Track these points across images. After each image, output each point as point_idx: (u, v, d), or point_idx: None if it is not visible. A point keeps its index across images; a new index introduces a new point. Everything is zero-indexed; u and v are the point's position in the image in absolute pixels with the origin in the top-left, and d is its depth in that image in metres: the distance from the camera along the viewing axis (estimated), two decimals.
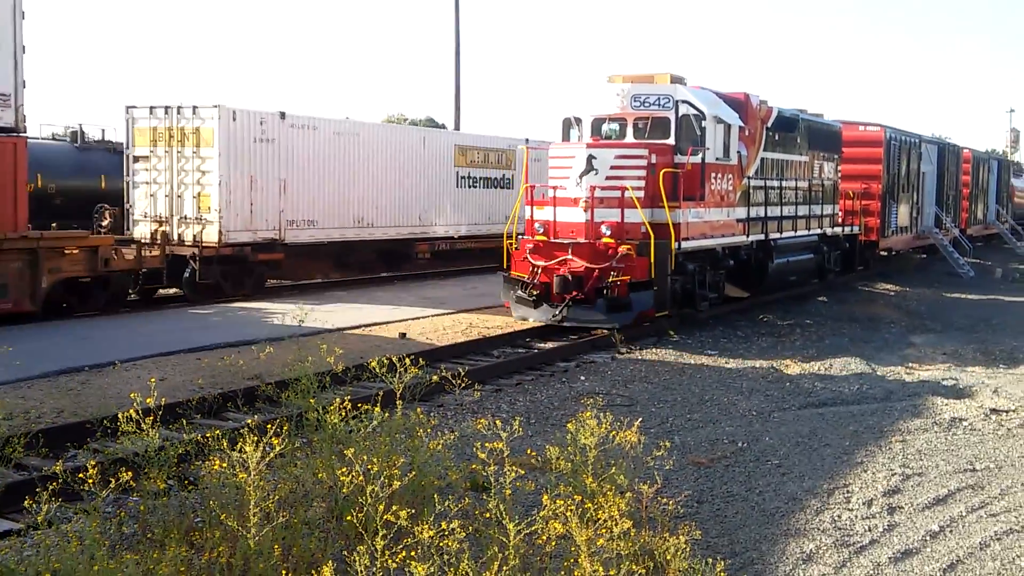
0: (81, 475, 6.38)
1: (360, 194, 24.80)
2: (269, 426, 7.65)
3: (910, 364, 15.80)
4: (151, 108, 21.78)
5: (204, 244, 20.95)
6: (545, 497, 6.96)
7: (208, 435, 7.07)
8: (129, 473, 6.51)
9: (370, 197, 25.15)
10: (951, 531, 7.98)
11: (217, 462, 6.73)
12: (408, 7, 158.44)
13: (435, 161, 27.63)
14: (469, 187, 29.11)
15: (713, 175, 18.35)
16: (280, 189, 22.31)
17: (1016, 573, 7.16)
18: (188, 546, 6.37)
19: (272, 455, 7.24)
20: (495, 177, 30.27)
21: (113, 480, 6.37)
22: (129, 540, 6.86)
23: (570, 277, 16.71)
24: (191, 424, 7.50)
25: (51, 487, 6.26)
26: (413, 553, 6.23)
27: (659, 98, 17.89)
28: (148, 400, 7.35)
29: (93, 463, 6.51)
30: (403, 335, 17.08)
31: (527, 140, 29.65)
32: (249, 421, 7.68)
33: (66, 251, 17.91)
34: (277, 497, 6.75)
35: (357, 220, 24.74)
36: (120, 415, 6.85)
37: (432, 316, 19.13)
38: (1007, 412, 12.24)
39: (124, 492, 6.55)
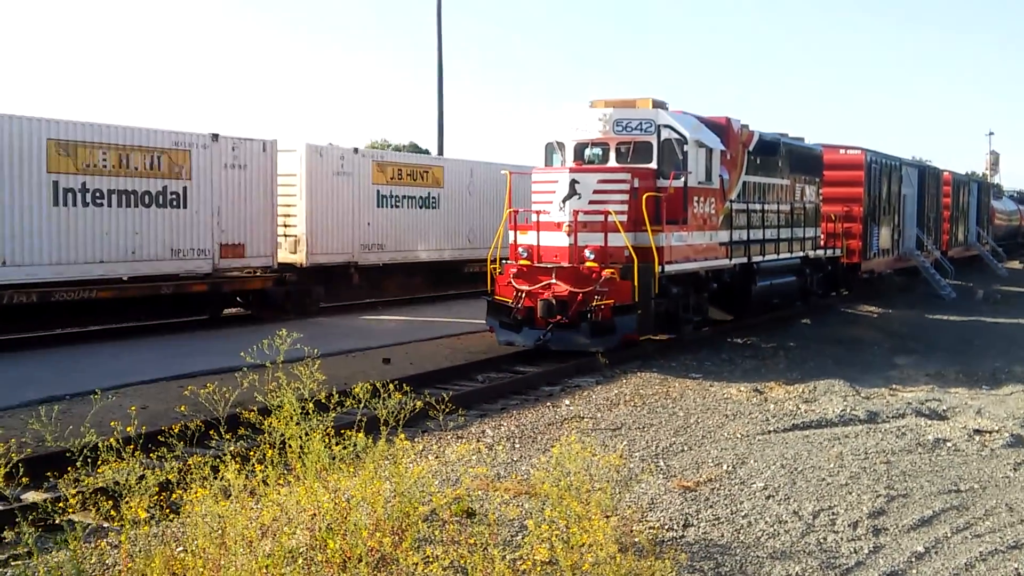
0: (61, 505, 6.32)
1: None
2: (251, 453, 7.61)
3: (894, 385, 15.84)
4: None
5: None
6: (531, 522, 6.94)
7: (190, 462, 7.01)
8: (110, 502, 6.45)
9: None
10: (936, 552, 7.97)
11: (199, 490, 6.68)
12: (392, 35, 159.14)
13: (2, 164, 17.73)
14: (85, 205, 18.93)
15: (695, 199, 18.44)
16: None
17: None
18: (170, 575, 6.30)
19: (254, 482, 7.19)
20: (148, 191, 20.07)
21: (94, 509, 6.30)
22: (110, 570, 6.80)
23: (554, 301, 16.75)
24: (172, 453, 7.43)
25: (31, 517, 6.20)
26: None
27: (641, 123, 18.00)
28: (128, 428, 7.30)
29: (74, 492, 6.43)
30: (387, 360, 17.04)
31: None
32: (231, 448, 7.61)
33: None
34: (259, 525, 6.70)
35: None
36: (100, 444, 6.79)
37: None
38: (990, 433, 12.27)
39: (105, 521, 6.48)
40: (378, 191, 26.81)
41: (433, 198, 28.95)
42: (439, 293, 29.51)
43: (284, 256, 23.73)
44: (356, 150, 26.21)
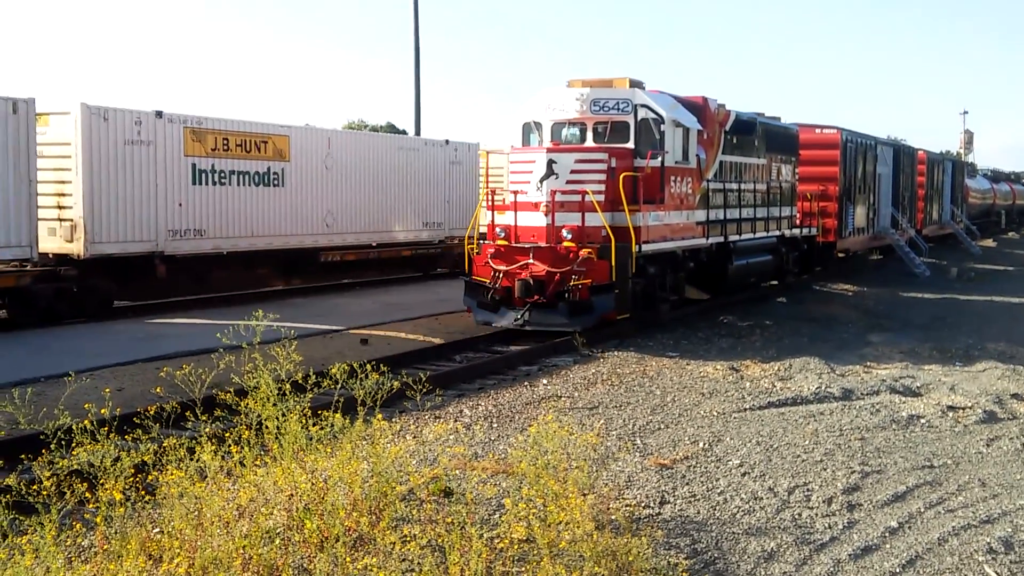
0: (36, 487, 6.28)
1: None
2: (228, 434, 7.59)
3: (868, 363, 15.96)
4: None
5: None
6: (508, 501, 6.96)
7: (165, 444, 6.98)
8: (85, 484, 6.42)
9: None
10: (910, 527, 8.06)
11: (175, 471, 6.66)
12: (371, 15, 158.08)
13: None
14: None
15: (672, 178, 18.46)
16: None
17: (974, 568, 7.24)
18: (146, 557, 6.29)
19: (231, 463, 7.18)
20: None
21: (68, 492, 6.27)
22: (86, 552, 6.77)
23: (532, 281, 16.74)
24: (147, 435, 7.41)
25: (5, 500, 6.16)
26: (375, 559, 6.20)
27: (618, 102, 17.99)
28: (103, 411, 7.26)
29: (48, 474, 6.39)
30: (365, 341, 17.02)
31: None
32: (207, 429, 7.59)
33: None
34: (236, 505, 6.69)
35: None
36: (75, 426, 6.75)
37: None
38: (963, 409, 12.39)
39: (80, 503, 6.46)
40: (194, 165, 21.73)
41: (275, 174, 23.86)
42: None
43: (59, 245, 19.33)
44: (159, 114, 21.03)
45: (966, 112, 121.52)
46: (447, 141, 30.70)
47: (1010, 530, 7.97)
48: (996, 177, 73.51)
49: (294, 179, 24.55)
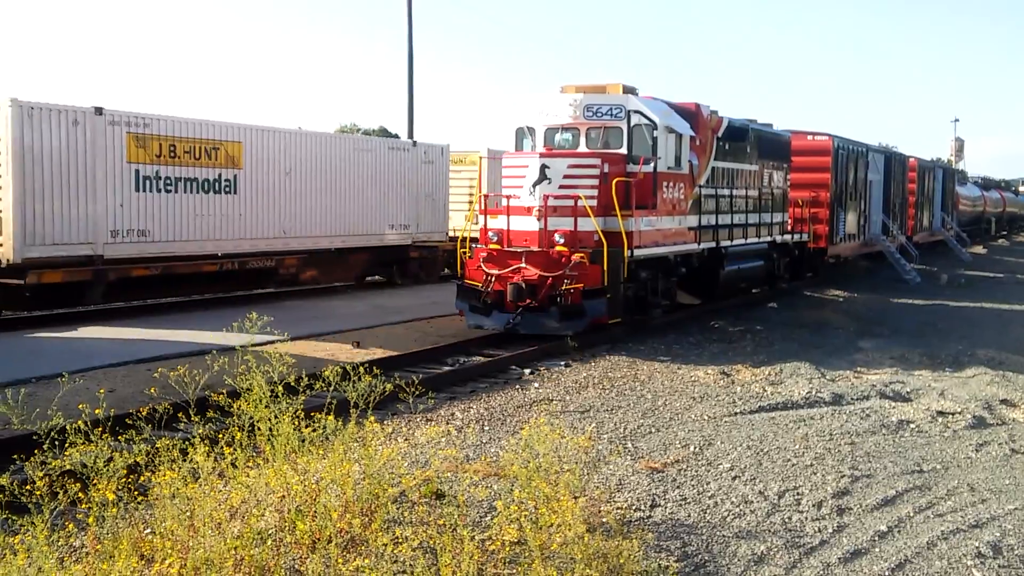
0: (28, 487, 6.29)
1: None
2: (220, 436, 7.60)
3: (858, 368, 16.02)
4: None
5: None
6: (500, 503, 6.99)
7: (158, 445, 6.99)
8: (77, 485, 6.43)
9: None
10: (899, 531, 8.10)
11: (168, 472, 6.67)
12: (363, 20, 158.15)
13: None
14: None
15: (665, 184, 18.52)
16: None
17: (962, 572, 7.29)
18: (138, 558, 6.29)
19: (223, 465, 7.19)
20: None
21: (61, 492, 6.28)
22: (78, 552, 6.78)
23: (524, 285, 16.78)
24: (140, 436, 7.41)
25: None
26: (367, 561, 6.22)
27: (611, 108, 18.04)
28: (97, 411, 7.27)
29: (41, 475, 6.39)
30: (357, 344, 17.03)
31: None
32: (199, 431, 7.60)
33: None
34: (228, 507, 6.70)
35: None
36: (68, 426, 6.76)
37: None
38: (953, 414, 12.45)
39: (72, 504, 6.46)
40: None
41: None
42: None
43: None
44: None
45: (957, 120, 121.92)
46: None
47: (999, 535, 8.02)
48: (986, 185, 73.80)
49: None
